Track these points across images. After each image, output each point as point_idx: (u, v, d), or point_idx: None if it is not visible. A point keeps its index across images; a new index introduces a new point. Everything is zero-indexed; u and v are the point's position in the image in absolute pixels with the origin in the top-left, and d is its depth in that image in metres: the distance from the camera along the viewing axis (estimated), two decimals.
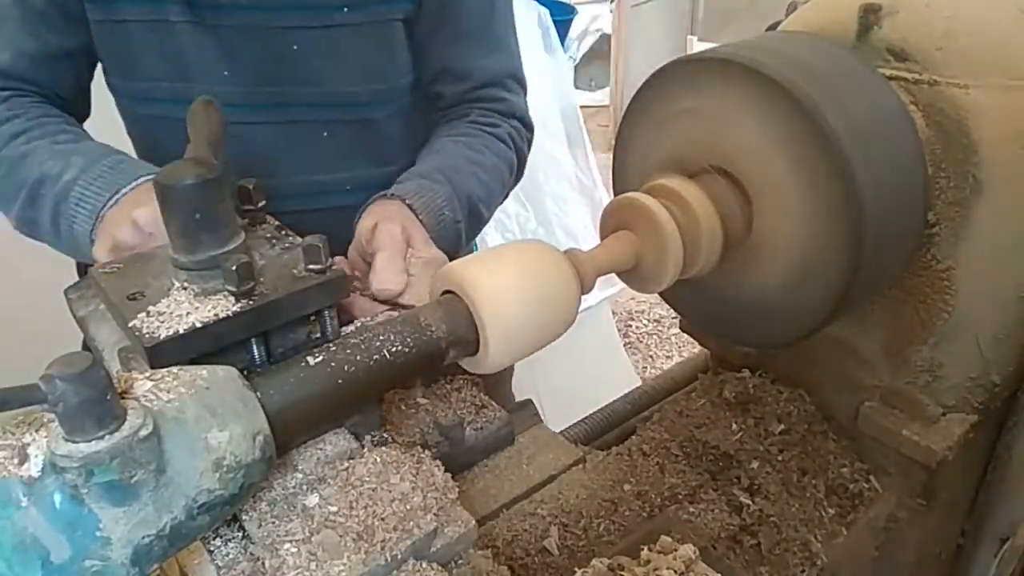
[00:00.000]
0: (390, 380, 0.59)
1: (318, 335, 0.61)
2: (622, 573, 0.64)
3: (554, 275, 0.66)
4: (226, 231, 0.58)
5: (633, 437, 0.97)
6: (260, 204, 0.67)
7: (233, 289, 0.54)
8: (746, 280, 0.80)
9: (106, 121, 1.12)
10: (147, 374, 0.49)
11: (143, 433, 0.44)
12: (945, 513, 1.01)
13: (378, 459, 0.58)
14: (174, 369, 0.50)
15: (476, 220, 1.06)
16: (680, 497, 0.86)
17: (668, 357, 3.24)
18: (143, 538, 0.45)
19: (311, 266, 0.59)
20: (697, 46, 4.88)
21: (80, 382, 0.42)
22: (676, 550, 0.64)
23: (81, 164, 0.89)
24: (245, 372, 0.56)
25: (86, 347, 0.97)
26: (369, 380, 0.57)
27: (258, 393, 0.52)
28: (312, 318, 0.61)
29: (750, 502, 0.85)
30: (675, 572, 0.62)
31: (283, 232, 0.66)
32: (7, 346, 1.76)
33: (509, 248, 0.68)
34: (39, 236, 0.94)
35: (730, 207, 0.76)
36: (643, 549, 0.65)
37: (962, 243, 0.81)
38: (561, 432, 1.05)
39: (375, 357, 0.57)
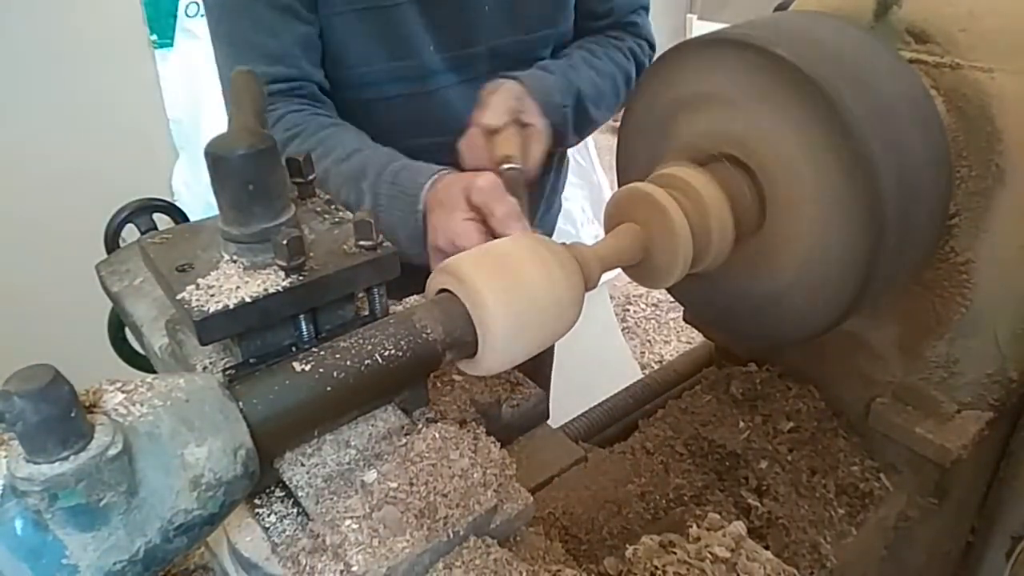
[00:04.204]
0: (383, 386, 0.55)
1: (367, 313, 0.61)
2: (673, 550, 0.63)
3: (556, 271, 0.62)
4: (277, 204, 0.56)
5: (636, 434, 0.93)
6: (310, 177, 0.66)
7: (283, 264, 0.53)
8: (758, 274, 0.76)
9: None
10: (118, 385, 0.45)
11: (112, 452, 0.40)
12: (956, 511, 0.98)
13: (436, 435, 0.56)
14: (148, 378, 0.47)
15: (584, 115, 1.14)
16: (686, 499, 0.83)
17: (666, 342, 3.22)
18: (114, 564, 0.42)
19: (362, 242, 0.57)
20: (696, 25, 4.80)
21: (40, 399, 0.38)
22: (724, 527, 0.64)
23: (369, 189, 0.92)
24: (293, 348, 0.56)
25: (118, 319, 0.94)
26: (360, 387, 0.53)
27: (240, 403, 0.48)
28: (361, 295, 0.60)
29: (758, 504, 0.82)
30: (726, 549, 0.61)
31: (332, 206, 0.65)
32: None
33: (508, 243, 0.64)
34: None
35: (742, 198, 0.72)
36: (692, 526, 0.65)
37: (982, 235, 0.78)
38: (561, 427, 1.02)
39: (366, 362, 0.53)
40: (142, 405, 0.44)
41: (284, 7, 1.00)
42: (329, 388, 0.52)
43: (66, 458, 0.39)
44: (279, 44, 1.01)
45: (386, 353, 0.54)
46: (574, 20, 1.22)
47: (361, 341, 0.54)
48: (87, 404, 0.43)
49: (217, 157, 0.53)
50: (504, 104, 0.96)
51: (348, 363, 0.53)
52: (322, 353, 0.53)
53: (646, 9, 1.31)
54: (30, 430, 0.38)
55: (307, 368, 0.52)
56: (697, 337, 1.13)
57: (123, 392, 0.45)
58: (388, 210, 0.89)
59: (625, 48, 1.24)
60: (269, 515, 0.55)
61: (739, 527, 0.64)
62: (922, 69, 0.77)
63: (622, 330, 3.10)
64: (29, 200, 1.94)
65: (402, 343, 0.55)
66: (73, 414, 0.39)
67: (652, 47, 1.31)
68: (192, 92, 2.24)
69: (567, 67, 1.13)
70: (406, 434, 0.57)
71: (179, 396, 0.46)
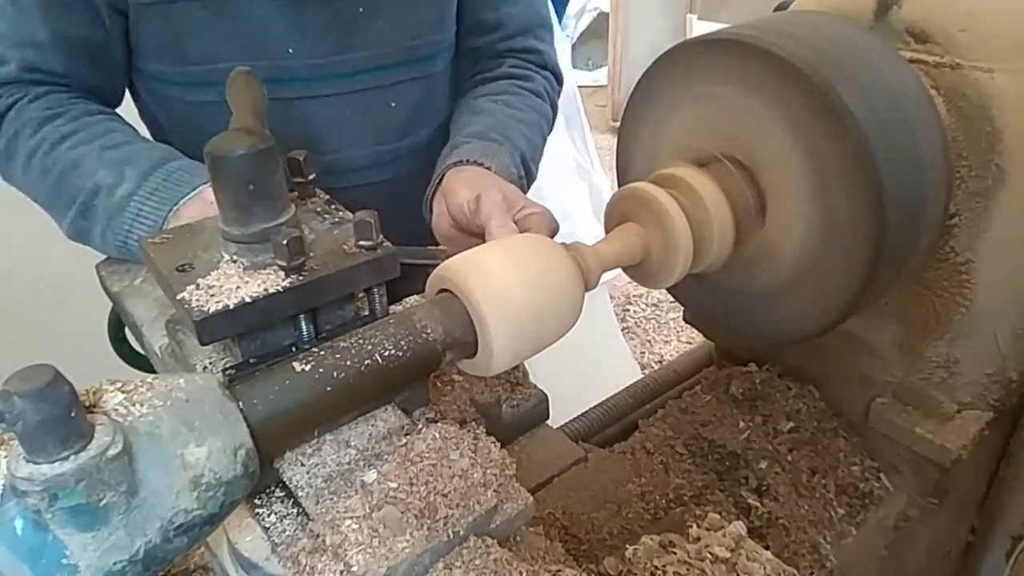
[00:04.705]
0: (383, 386, 0.55)
1: (367, 312, 0.61)
2: (673, 550, 0.63)
3: (556, 272, 0.62)
4: (278, 203, 0.56)
5: (636, 434, 0.93)
6: (310, 177, 0.66)
7: (283, 264, 0.54)
8: (758, 275, 0.76)
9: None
10: (118, 385, 0.45)
11: (112, 452, 0.41)
12: (956, 511, 0.98)
13: (436, 435, 0.56)
14: (149, 378, 0.47)
15: (529, 178, 1.06)
16: (686, 499, 0.83)
17: (666, 342, 3.22)
18: (114, 564, 0.42)
19: (362, 242, 0.58)
20: (696, 25, 4.80)
21: (40, 399, 0.38)
22: (724, 527, 0.64)
23: (135, 176, 0.86)
24: (293, 348, 0.57)
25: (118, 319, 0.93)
26: (360, 386, 0.53)
27: (240, 403, 0.49)
28: (361, 295, 0.61)
29: (758, 504, 0.82)
30: (726, 549, 0.62)
31: (332, 206, 0.65)
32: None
33: (508, 243, 0.64)
34: (89, 243, 0.91)
35: (742, 198, 0.72)
36: (692, 526, 0.65)
37: (982, 235, 0.78)
38: (561, 427, 1.02)
39: (367, 362, 0.53)
40: (142, 405, 0.44)
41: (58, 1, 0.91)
42: (329, 388, 0.52)
43: (66, 458, 0.39)
44: (43, 37, 0.92)
45: (386, 353, 0.54)
46: (462, 37, 1.13)
47: (361, 341, 0.54)
48: (87, 404, 0.43)
49: (217, 157, 0.53)
50: (508, 220, 0.82)
51: (348, 363, 0.53)
52: (322, 353, 0.53)
53: (547, 29, 1.18)
54: (30, 430, 0.38)
55: (307, 368, 0.52)
56: (697, 337, 1.13)
57: (123, 392, 0.45)
58: (142, 199, 0.84)
59: (539, 89, 1.14)
60: (269, 515, 0.55)
61: (739, 527, 0.64)
62: (922, 69, 0.77)
63: (622, 330, 3.10)
64: (29, 200, 1.93)
65: (402, 343, 0.55)
66: (73, 414, 0.39)
67: (560, 80, 1.20)
68: None
69: (502, 129, 1.02)
70: (406, 434, 0.57)
71: (179, 396, 0.46)
